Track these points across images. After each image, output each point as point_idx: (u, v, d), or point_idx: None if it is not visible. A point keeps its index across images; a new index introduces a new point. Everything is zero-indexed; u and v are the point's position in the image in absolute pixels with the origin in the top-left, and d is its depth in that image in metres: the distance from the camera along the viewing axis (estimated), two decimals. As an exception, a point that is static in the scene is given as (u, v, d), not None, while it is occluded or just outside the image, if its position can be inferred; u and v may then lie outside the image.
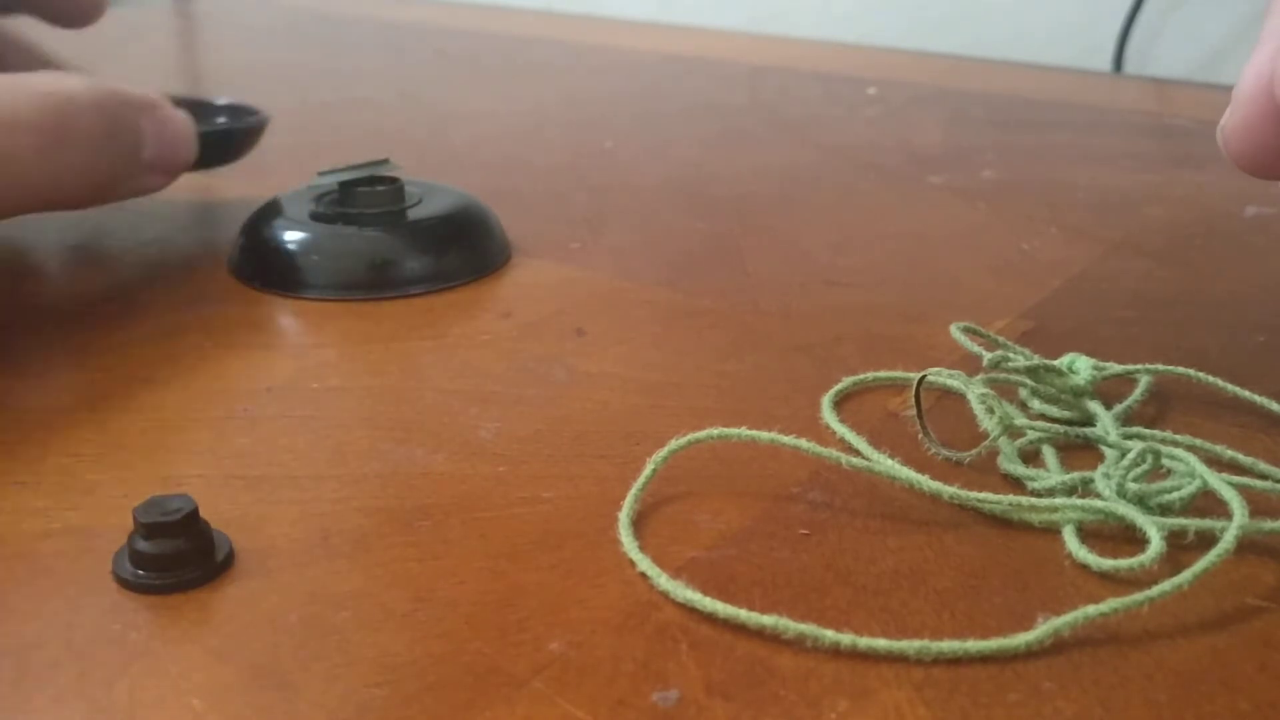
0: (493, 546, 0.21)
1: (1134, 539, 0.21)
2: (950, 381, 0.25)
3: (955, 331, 0.28)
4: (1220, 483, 0.21)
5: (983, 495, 0.22)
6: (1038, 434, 0.24)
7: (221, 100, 0.41)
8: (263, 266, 0.34)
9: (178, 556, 0.20)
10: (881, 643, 0.18)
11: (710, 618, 0.19)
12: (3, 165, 0.27)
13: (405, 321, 0.31)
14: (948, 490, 0.22)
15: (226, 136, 0.37)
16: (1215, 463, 0.23)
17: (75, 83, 0.29)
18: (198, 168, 0.35)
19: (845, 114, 0.57)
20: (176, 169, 0.33)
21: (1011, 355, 0.26)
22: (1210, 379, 0.27)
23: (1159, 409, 0.26)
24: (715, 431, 0.23)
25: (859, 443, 0.24)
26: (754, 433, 0.23)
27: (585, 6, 0.91)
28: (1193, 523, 0.21)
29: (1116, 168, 0.47)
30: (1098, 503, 0.22)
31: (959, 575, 0.20)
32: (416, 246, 0.34)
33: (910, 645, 0.18)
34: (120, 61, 0.65)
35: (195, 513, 0.20)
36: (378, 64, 0.70)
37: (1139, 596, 0.19)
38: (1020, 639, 0.18)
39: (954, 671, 0.18)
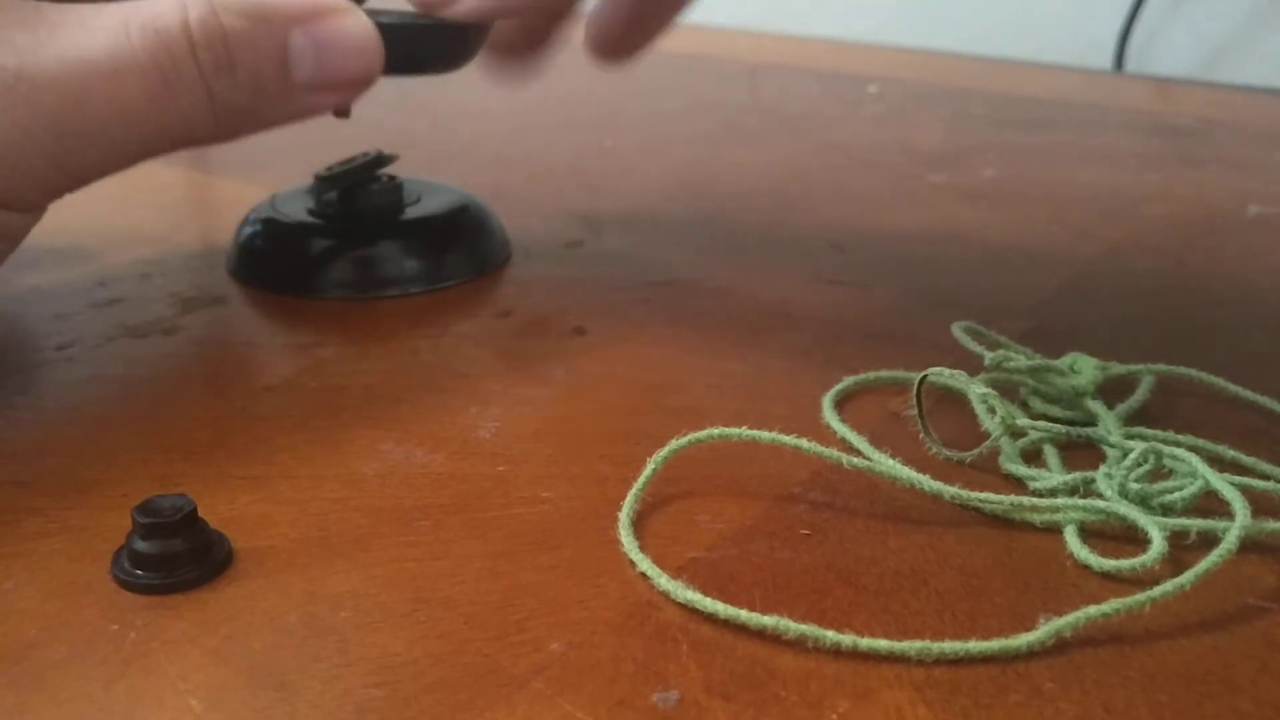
0: (492, 546, 0.21)
1: (1136, 539, 0.21)
2: (951, 381, 0.25)
3: (956, 331, 0.28)
4: (1222, 483, 0.21)
5: (984, 495, 0.22)
6: (1039, 434, 0.24)
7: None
8: (260, 266, 0.34)
9: (176, 556, 0.20)
10: (883, 643, 0.18)
11: (711, 618, 0.19)
12: (111, 117, 0.24)
13: (405, 320, 0.31)
14: (949, 490, 0.22)
15: (437, 33, 0.31)
16: (1217, 463, 0.23)
17: (194, 10, 0.25)
18: (408, 72, 0.30)
19: (846, 112, 0.57)
20: (350, 84, 0.28)
21: (1013, 355, 0.26)
22: (1212, 379, 0.27)
23: (1161, 409, 0.26)
24: (715, 431, 0.23)
25: (860, 443, 0.24)
26: (754, 432, 0.23)
27: (585, 6, 0.91)
28: (1195, 523, 0.21)
29: (1118, 166, 0.47)
30: (1099, 503, 0.21)
31: (960, 576, 0.20)
32: (416, 245, 0.34)
33: (911, 646, 0.18)
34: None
35: (194, 512, 0.20)
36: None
37: (1141, 597, 0.19)
38: (1022, 639, 0.18)
39: (955, 672, 0.18)
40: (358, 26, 0.28)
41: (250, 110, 0.27)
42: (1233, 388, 0.26)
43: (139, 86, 0.25)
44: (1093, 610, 0.19)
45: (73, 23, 0.25)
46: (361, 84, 0.28)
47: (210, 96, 0.26)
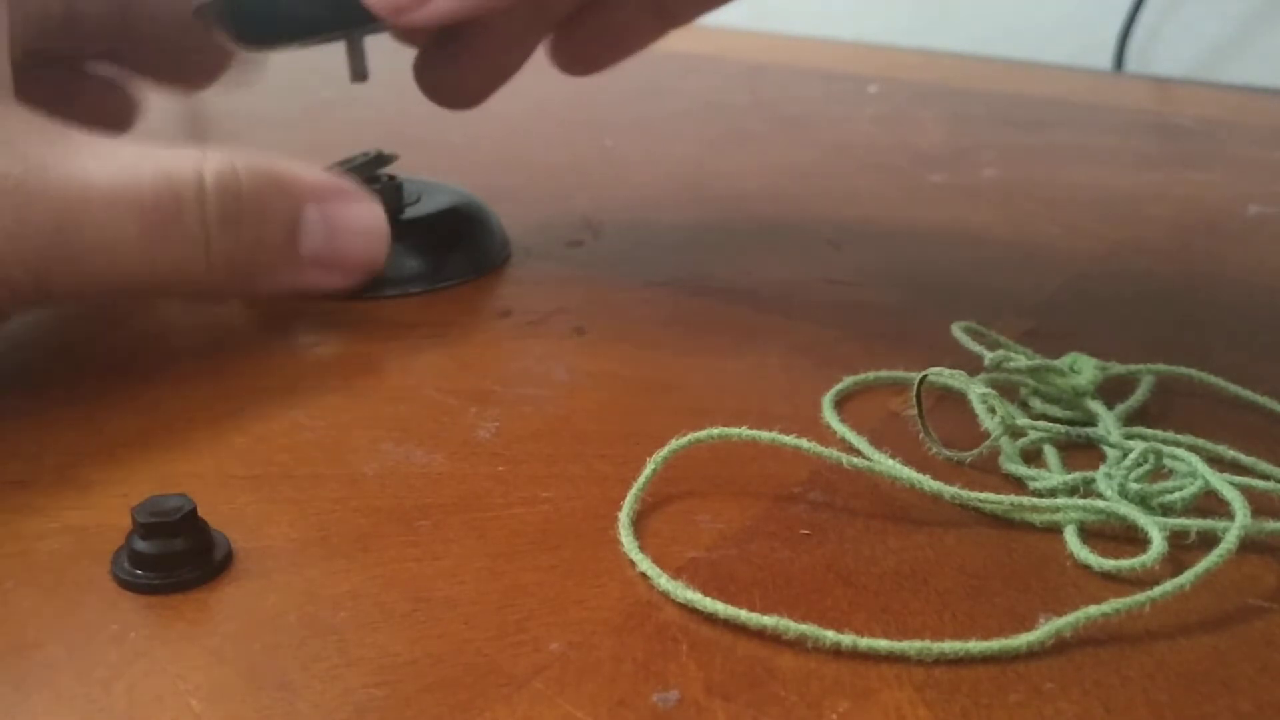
0: (492, 546, 0.21)
1: (1136, 539, 0.21)
2: (952, 381, 0.25)
3: (956, 331, 0.28)
4: (1222, 483, 0.21)
5: (984, 495, 0.22)
6: (1039, 434, 0.24)
7: None
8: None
9: (176, 556, 0.20)
10: (882, 643, 0.18)
11: (711, 618, 0.19)
12: (99, 242, 0.25)
13: (404, 320, 0.31)
14: (949, 490, 0.22)
15: None
16: (1217, 463, 0.23)
17: (212, 162, 0.26)
18: (341, 26, 0.31)
19: (846, 112, 0.57)
20: (354, 268, 0.29)
21: (1013, 355, 0.26)
22: (1212, 379, 0.26)
23: (1161, 409, 0.26)
24: (715, 431, 0.23)
25: (860, 442, 0.24)
26: (754, 432, 0.23)
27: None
28: (1194, 523, 0.21)
29: (1118, 166, 0.47)
30: (1099, 503, 0.21)
31: (960, 576, 0.20)
32: (415, 245, 0.34)
33: (911, 646, 0.18)
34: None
35: (194, 512, 0.20)
36: (379, 62, 0.70)
37: (1141, 597, 0.19)
38: (1022, 639, 0.18)
39: (955, 672, 0.18)
40: (373, 214, 0.29)
41: (247, 269, 0.27)
42: (1233, 388, 0.26)
43: (133, 220, 0.25)
44: (1093, 610, 0.19)
45: (94, 149, 0.25)
46: (364, 269, 0.30)
47: (208, 246, 0.26)
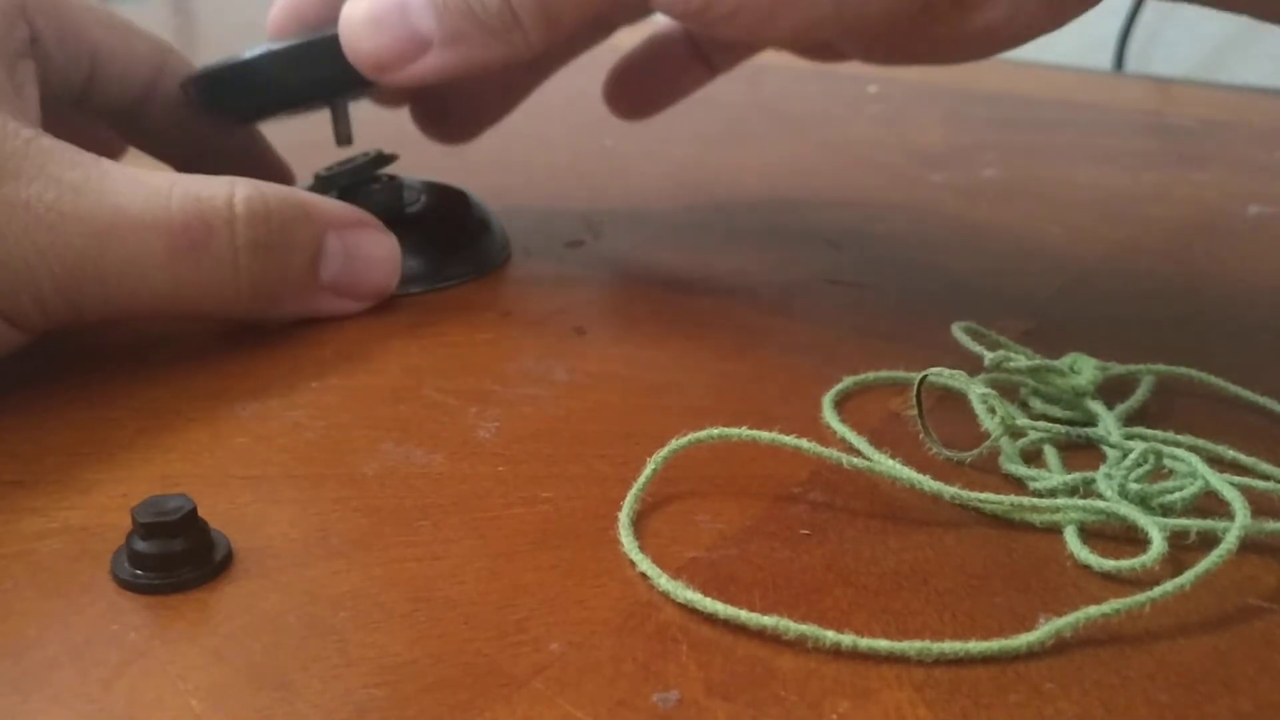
0: (492, 546, 0.21)
1: (1136, 539, 0.21)
2: (952, 381, 0.25)
3: (956, 331, 0.28)
4: (1222, 483, 0.21)
5: (984, 495, 0.22)
6: (1039, 434, 0.24)
7: None
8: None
9: (176, 556, 0.20)
10: (883, 643, 0.18)
11: (711, 618, 0.19)
12: (126, 264, 0.26)
13: (404, 320, 0.31)
14: (949, 490, 0.22)
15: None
16: (1217, 463, 0.23)
17: (241, 190, 0.27)
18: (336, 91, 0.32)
19: (846, 112, 0.57)
20: (366, 294, 0.31)
21: (1013, 355, 0.26)
22: (1212, 379, 0.26)
23: (1161, 409, 0.26)
24: (715, 431, 0.23)
25: (860, 443, 0.24)
26: (754, 433, 0.23)
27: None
28: (1194, 523, 0.21)
29: (1118, 166, 0.47)
30: (1099, 503, 0.21)
31: (960, 576, 0.20)
32: (415, 245, 0.34)
33: (911, 646, 0.18)
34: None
35: (194, 512, 0.20)
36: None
37: (1141, 597, 0.19)
38: (1022, 640, 0.18)
39: (955, 672, 0.18)
40: (388, 244, 0.31)
41: (271, 293, 0.29)
42: (1233, 388, 0.26)
43: (162, 243, 0.26)
44: (1093, 610, 0.19)
45: (125, 176, 0.26)
46: (376, 296, 0.31)
47: (237, 269, 0.27)
